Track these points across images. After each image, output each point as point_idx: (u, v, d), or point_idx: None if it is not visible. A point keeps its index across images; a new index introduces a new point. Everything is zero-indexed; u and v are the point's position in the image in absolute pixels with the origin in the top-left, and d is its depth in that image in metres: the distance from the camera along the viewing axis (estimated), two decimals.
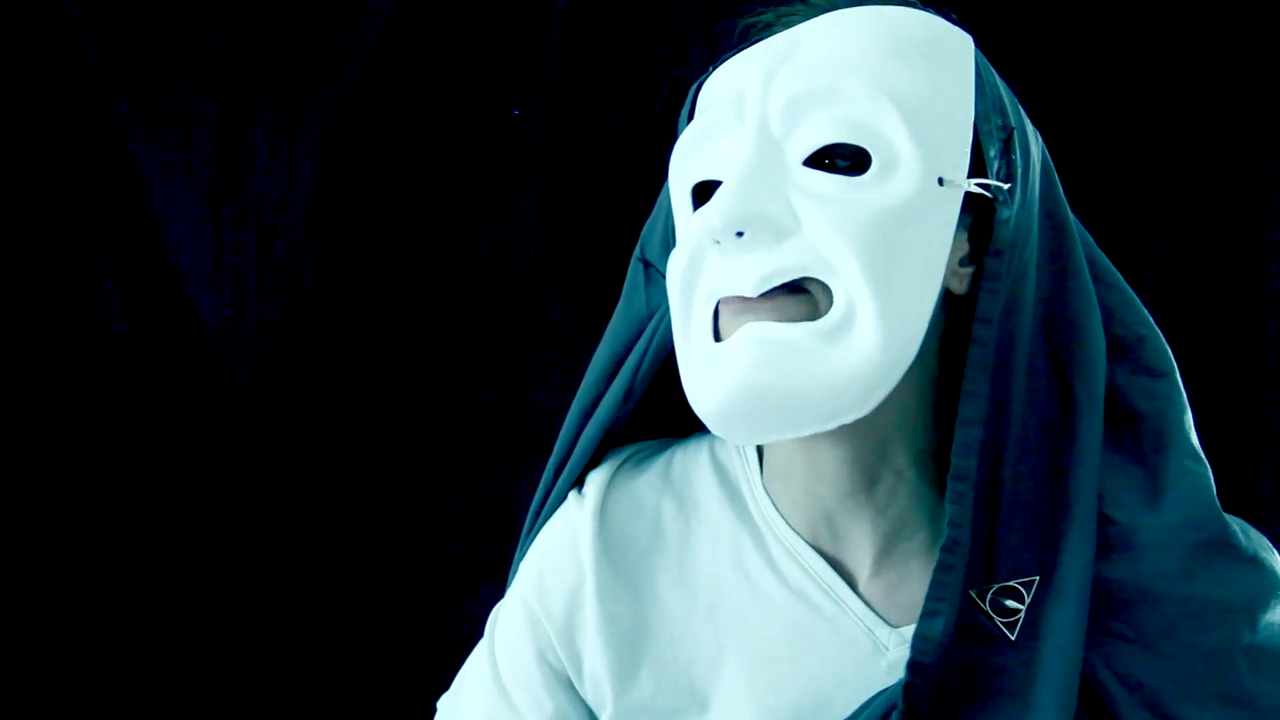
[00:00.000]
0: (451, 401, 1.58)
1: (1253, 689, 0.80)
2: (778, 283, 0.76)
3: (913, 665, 0.77)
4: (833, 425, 0.77)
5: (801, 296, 0.76)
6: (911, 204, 0.75)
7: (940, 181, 0.76)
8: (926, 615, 0.77)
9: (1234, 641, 0.80)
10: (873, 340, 0.74)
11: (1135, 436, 0.84)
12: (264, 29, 1.55)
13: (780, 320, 0.75)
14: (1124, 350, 0.85)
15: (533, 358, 1.56)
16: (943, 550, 0.77)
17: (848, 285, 0.74)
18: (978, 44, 0.82)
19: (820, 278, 0.75)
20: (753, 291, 0.76)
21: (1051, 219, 0.83)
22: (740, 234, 0.75)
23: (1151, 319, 0.88)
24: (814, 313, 0.75)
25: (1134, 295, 0.88)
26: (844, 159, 0.76)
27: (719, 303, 0.79)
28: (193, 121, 1.56)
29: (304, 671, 1.59)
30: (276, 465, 1.59)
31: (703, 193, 0.82)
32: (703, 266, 0.79)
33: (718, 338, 0.79)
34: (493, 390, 1.57)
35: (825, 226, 0.74)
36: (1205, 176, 1.47)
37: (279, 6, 1.55)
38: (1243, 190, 1.46)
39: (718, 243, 0.76)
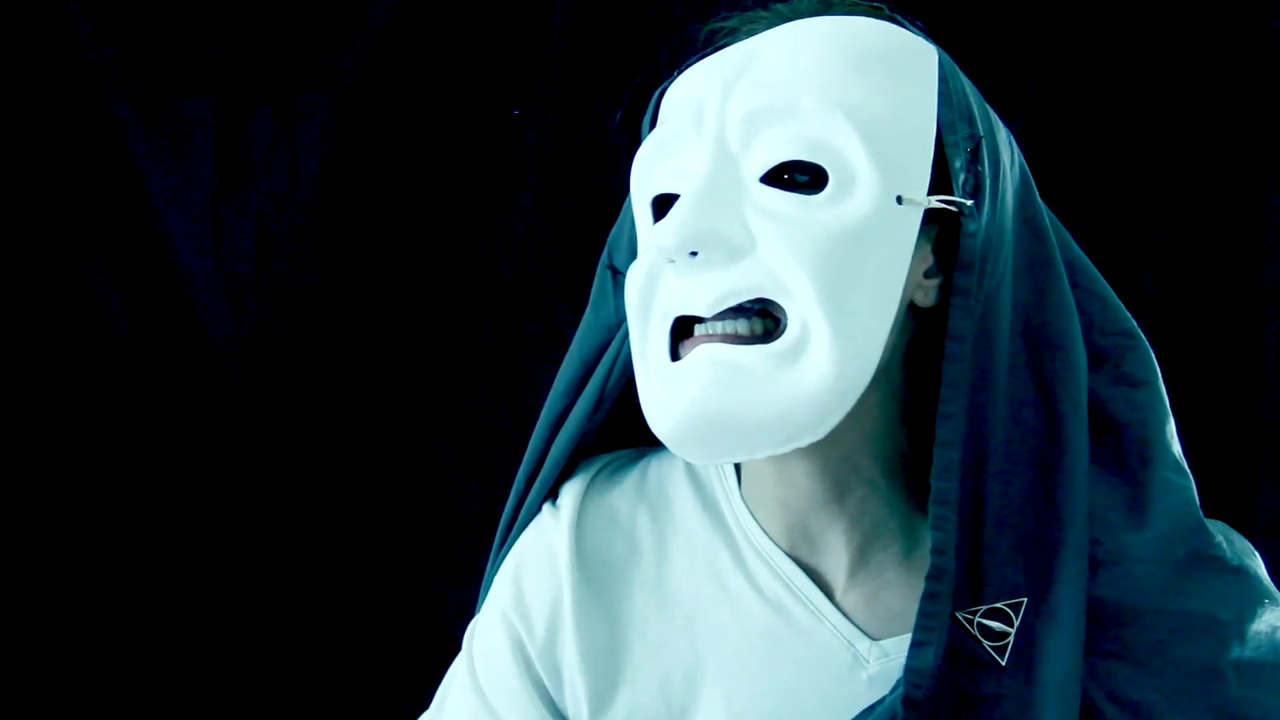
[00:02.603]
0: (451, 401, 1.58)
1: (1242, 701, 0.79)
2: (732, 304, 0.75)
3: (906, 700, 0.75)
4: (788, 448, 0.76)
5: (756, 318, 0.75)
6: (867, 224, 0.74)
7: (899, 200, 0.74)
8: (916, 646, 0.75)
9: (1223, 654, 0.80)
10: (826, 364, 0.72)
11: (1118, 448, 0.83)
12: (264, 29, 1.55)
13: (734, 342, 0.74)
14: (1105, 359, 0.84)
15: (533, 358, 1.55)
16: (928, 578, 0.75)
17: (802, 308, 0.73)
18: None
19: (775, 299, 0.74)
20: (707, 312, 0.75)
21: (1029, 226, 0.82)
22: (694, 254, 0.74)
23: (1135, 323, 0.86)
24: (769, 334, 0.74)
25: (1117, 300, 0.87)
26: (803, 174, 0.75)
27: (675, 321, 0.78)
28: (193, 121, 1.56)
29: (301, 670, 1.59)
30: (276, 464, 1.59)
31: (663, 205, 0.81)
32: (659, 284, 0.78)
33: (676, 356, 0.78)
34: (492, 390, 1.57)
35: (780, 247, 0.73)
36: (1205, 177, 1.47)
37: (279, 6, 1.55)
38: (1242, 191, 1.46)
39: (673, 261, 0.76)
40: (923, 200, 0.75)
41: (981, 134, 0.78)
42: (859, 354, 0.73)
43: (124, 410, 1.57)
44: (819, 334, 0.73)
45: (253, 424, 1.58)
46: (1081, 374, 0.81)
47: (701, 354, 0.75)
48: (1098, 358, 0.83)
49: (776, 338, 0.74)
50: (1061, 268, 0.83)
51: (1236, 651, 0.80)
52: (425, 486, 1.58)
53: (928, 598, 0.75)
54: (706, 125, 0.77)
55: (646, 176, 0.82)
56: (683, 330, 0.78)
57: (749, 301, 0.75)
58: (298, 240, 1.56)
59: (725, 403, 0.74)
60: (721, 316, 0.75)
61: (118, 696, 1.57)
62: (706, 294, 0.75)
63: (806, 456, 0.80)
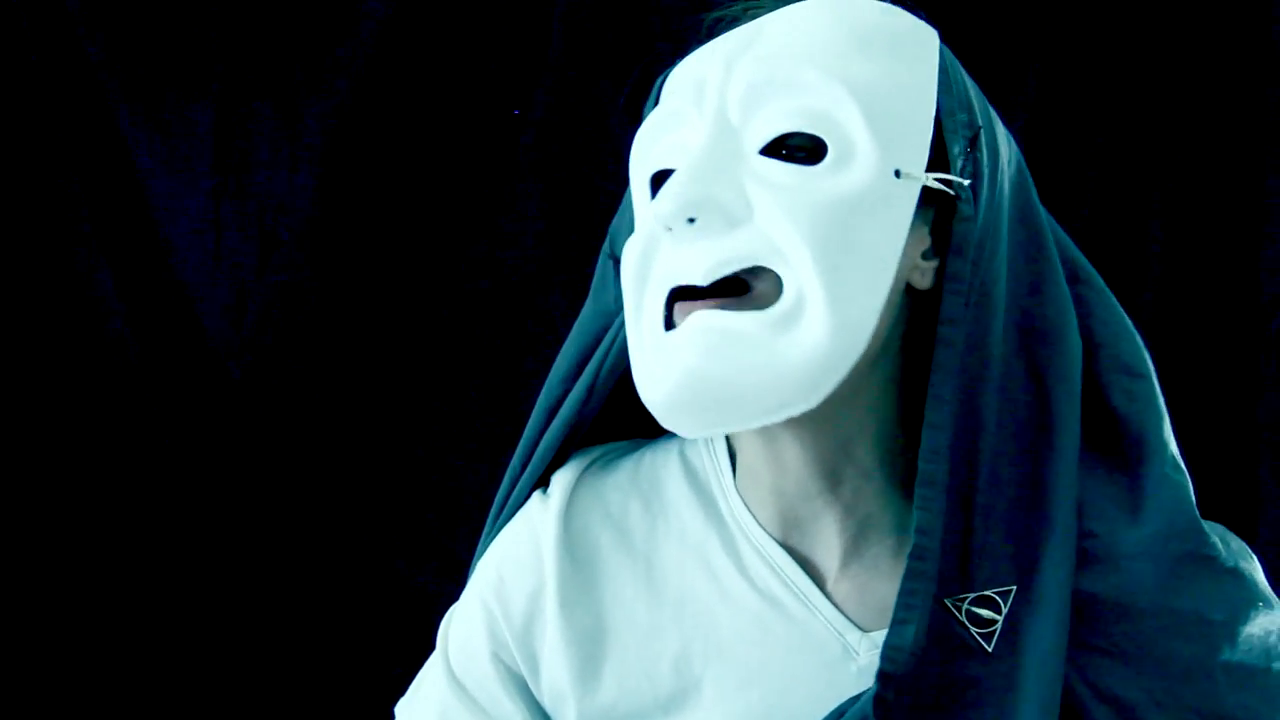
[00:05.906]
0: (450, 400, 1.58)
1: (1230, 703, 0.79)
2: (728, 271, 0.74)
3: (883, 675, 0.75)
4: (780, 417, 0.75)
5: (752, 285, 0.75)
6: (866, 194, 0.74)
7: (897, 174, 0.75)
8: (897, 623, 0.75)
9: (1213, 655, 0.79)
10: (821, 330, 0.72)
11: (1115, 442, 0.82)
12: (264, 29, 1.55)
13: (729, 309, 0.74)
14: (1103, 345, 0.84)
15: (532, 357, 1.55)
16: (911, 557, 0.75)
17: (798, 274, 0.73)
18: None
19: (771, 266, 0.74)
20: (703, 280, 0.75)
21: (1025, 223, 0.82)
22: (692, 220, 0.74)
23: (1132, 324, 0.86)
24: (764, 302, 0.74)
25: (1115, 300, 0.87)
26: (802, 149, 0.75)
27: (671, 292, 0.77)
28: (193, 121, 1.56)
29: (297, 667, 1.59)
30: (275, 462, 1.59)
31: (660, 181, 0.81)
32: (655, 255, 0.78)
33: (671, 327, 0.77)
34: (492, 389, 1.57)
35: (778, 214, 0.73)
36: (1205, 177, 1.47)
37: (279, 6, 1.55)
38: (1242, 191, 1.46)
39: (670, 230, 0.75)
40: (920, 176, 0.75)
41: (980, 124, 0.79)
42: (853, 322, 0.73)
43: (124, 410, 1.58)
44: (814, 300, 0.72)
45: (252, 423, 1.58)
46: (1075, 365, 0.81)
47: (695, 321, 0.74)
48: (1096, 343, 0.83)
49: (771, 304, 0.74)
50: (1058, 263, 0.83)
51: (1227, 654, 0.79)
52: (425, 485, 1.58)
53: (910, 576, 0.75)
54: (708, 99, 0.78)
55: (645, 154, 0.82)
56: (676, 301, 0.78)
57: (743, 270, 0.75)
58: (298, 240, 1.56)
59: (718, 369, 0.73)
60: (717, 285, 0.75)
61: (117, 693, 1.58)
62: (703, 261, 0.74)
63: (800, 441, 0.80)
